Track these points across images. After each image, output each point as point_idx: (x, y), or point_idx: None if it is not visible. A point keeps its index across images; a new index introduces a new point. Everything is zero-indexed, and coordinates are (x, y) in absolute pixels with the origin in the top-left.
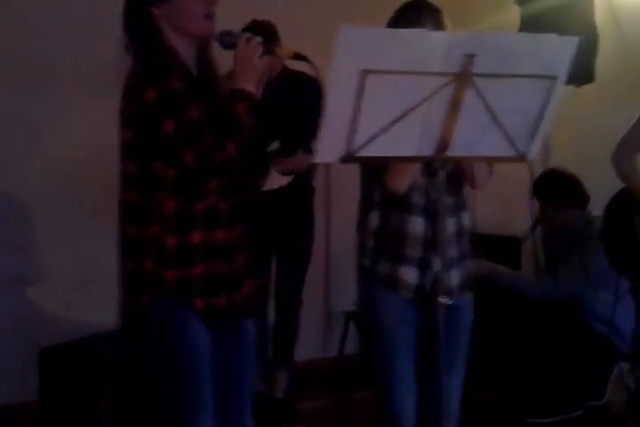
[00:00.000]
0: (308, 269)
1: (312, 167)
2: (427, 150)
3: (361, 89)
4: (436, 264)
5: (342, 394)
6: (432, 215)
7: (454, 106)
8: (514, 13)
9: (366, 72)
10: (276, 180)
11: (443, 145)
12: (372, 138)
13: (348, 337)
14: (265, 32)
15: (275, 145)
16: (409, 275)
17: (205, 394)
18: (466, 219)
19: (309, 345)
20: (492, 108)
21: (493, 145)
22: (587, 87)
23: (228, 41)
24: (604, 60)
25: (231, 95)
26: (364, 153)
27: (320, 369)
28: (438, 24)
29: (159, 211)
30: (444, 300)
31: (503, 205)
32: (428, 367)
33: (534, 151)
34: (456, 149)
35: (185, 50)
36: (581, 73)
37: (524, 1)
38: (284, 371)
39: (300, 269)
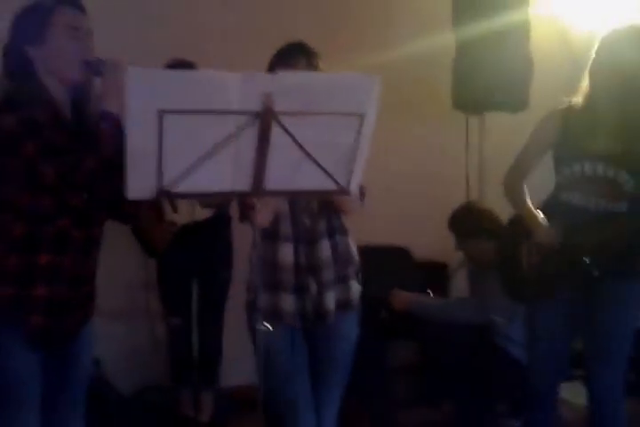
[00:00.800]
0: (227, 297)
1: None
2: (242, 186)
3: (160, 128)
4: (313, 288)
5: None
6: (301, 241)
7: (262, 143)
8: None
9: (162, 112)
10: (198, 212)
11: (257, 180)
12: (183, 175)
13: None
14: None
15: None
16: (287, 302)
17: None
18: (343, 243)
19: (244, 371)
20: (302, 145)
21: (313, 179)
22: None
23: (96, 68)
24: (558, 86)
25: (100, 117)
26: (178, 189)
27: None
28: (312, 66)
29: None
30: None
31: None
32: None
33: (355, 184)
34: (273, 184)
35: (57, 91)
36: (515, 101)
37: (459, 25)
38: (209, 395)
39: (220, 297)
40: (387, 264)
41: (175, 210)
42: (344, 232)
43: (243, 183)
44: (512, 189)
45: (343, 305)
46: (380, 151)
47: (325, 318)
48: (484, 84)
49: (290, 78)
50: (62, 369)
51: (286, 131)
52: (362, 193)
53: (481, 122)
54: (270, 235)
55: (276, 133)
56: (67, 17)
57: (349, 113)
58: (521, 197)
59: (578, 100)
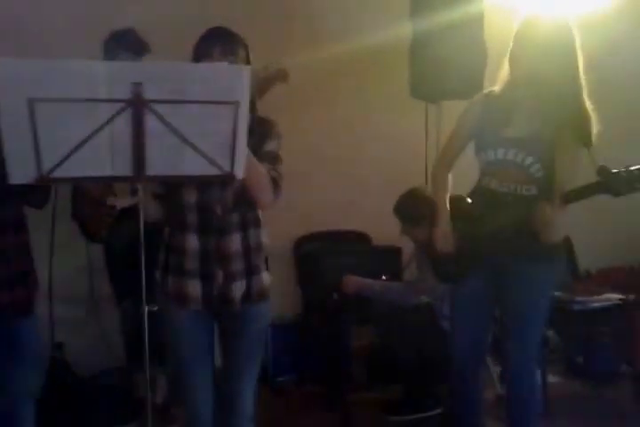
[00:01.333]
0: None
1: None
2: (123, 171)
3: (32, 116)
4: (219, 277)
5: None
6: (211, 231)
7: (137, 130)
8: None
9: (32, 100)
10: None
11: (138, 165)
12: (61, 161)
13: None
14: None
15: None
16: (193, 287)
17: None
18: (255, 235)
19: None
20: (179, 132)
21: (196, 165)
22: None
23: None
24: None
25: None
26: (57, 175)
27: None
28: (228, 53)
29: None
30: None
31: None
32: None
33: (239, 169)
34: (155, 169)
35: None
36: (470, 88)
37: (416, 15)
38: (162, 377)
39: None
40: (345, 249)
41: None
42: (258, 225)
43: (124, 169)
44: (433, 178)
45: (255, 295)
46: (340, 137)
47: (231, 306)
48: (440, 72)
49: (158, 68)
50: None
51: (160, 118)
52: (276, 185)
53: (438, 109)
54: (177, 224)
55: (150, 121)
56: None
57: (223, 101)
58: (439, 186)
59: (497, 87)
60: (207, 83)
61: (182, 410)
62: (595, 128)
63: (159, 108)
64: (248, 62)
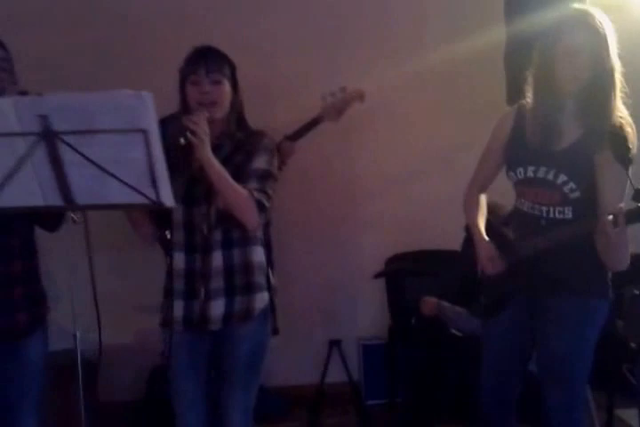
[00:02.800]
0: None
1: None
2: (54, 200)
3: None
4: (201, 294)
5: (314, 420)
6: (197, 249)
7: (55, 161)
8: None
9: None
10: None
11: (66, 195)
12: None
13: (332, 365)
14: None
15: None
16: (177, 308)
17: None
18: (241, 254)
19: (295, 371)
20: (94, 161)
21: (121, 193)
22: None
23: None
24: None
25: None
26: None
27: (299, 394)
28: (214, 72)
29: None
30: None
31: None
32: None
33: (167, 197)
34: (83, 198)
35: None
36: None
37: (510, 20)
38: None
39: None
40: (431, 270)
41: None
42: (246, 244)
43: (54, 199)
44: (465, 201)
45: (237, 316)
46: (430, 150)
47: (207, 325)
48: None
49: (60, 100)
50: (9, 366)
51: (73, 149)
52: (261, 206)
53: None
54: (167, 244)
55: (65, 152)
56: None
57: (129, 129)
58: (470, 210)
59: (528, 99)
60: (112, 111)
61: None
62: (633, 144)
63: (70, 138)
64: (234, 81)
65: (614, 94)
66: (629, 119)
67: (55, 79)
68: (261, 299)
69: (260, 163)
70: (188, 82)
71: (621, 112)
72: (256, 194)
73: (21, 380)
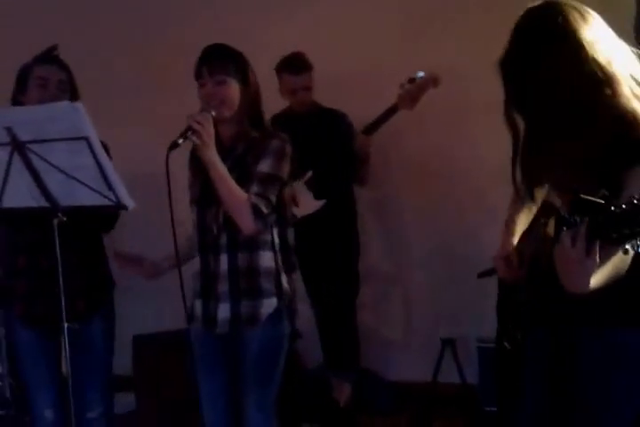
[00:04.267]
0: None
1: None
2: (42, 202)
3: None
4: (213, 296)
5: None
6: (206, 251)
7: (29, 168)
8: None
9: None
10: (307, 205)
11: (49, 198)
12: None
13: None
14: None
15: (308, 175)
16: (197, 307)
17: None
18: (246, 258)
19: (408, 368)
20: (59, 167)
21: (89, 196)
22: None
23: None
24: None
25: None
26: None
27: (411, 391)
28: (217, 72)
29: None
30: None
31: None
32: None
33: (126, 198)
34: (63, 200)
35: None
36: None
37: None
38: (340, 380)
39: (350, 291)
40: None
41: None
42: (252, 248)
43: (41, 201)
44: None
45: (244, 319)
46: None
47: (215, 327)
48: None
49: (17, 112)
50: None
51: (39, 156)
52: (257, 211)
53: None
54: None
55: (35, 159)
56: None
57: (73, 137)
58: (509, 218)
59: None
60: (56, 121)
61: None
62: None
63: (35, 147)
64: (244, 79)
65: None
66: None
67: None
68: (269, 305)
69: (264, 166)
70: (198, 85)
71: None
72: (254, 198)
73: (87, 361)
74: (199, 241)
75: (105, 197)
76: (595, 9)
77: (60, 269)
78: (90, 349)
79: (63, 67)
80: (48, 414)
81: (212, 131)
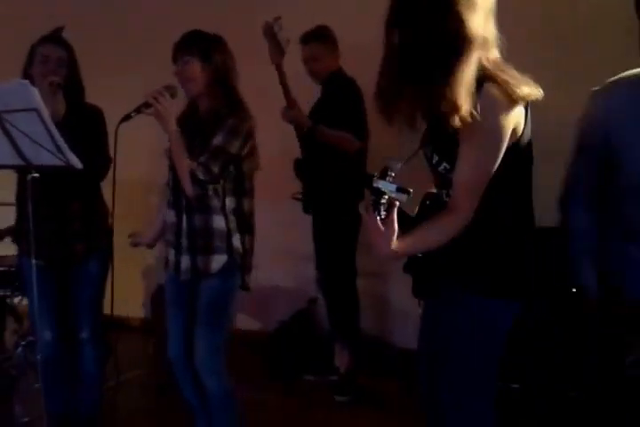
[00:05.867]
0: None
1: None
2: (17, 161)
3: None
4: (179, 248)
5: None
6: (177, 209)
7: (6, 133)
8: None
9: None
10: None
11: (24, 158)
12: None
13: None
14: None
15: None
16: (170, 255)
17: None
18: (202, 219)
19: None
20: (24, 132)
21: (49, 157)
22: None
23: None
24: None
25: None
26: None
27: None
28: (183, 55)
29: None
30: None
31: None
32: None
33: (74, 160)
34: (34, 160)
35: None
36: None
37: None
38: (341, 347)
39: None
40: None
41: None
42: (206, 211)
43: (15, 159)
44: None
45: (201, 271)
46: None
47: (180, 274)
48: None
49: None
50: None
51: (10, 123)
52: (194, 179)
53: None
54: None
55: (8, 126)
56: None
57: (27, 108)
58: None
59: None
60: (12, 95)
61: None
62: None
63: (6, 116)
64: (208, 57)
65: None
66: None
67: None
68: (219, 260)
69: (215, 140)
70: None
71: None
72: (194, 166)
73: (82, 293)
74: (172, 201)
75: (58, 158)
76: None
77: (30, 218)
78: (84, 284)
79: (64, 46)
80: (47, 335)
81: (167, 104)
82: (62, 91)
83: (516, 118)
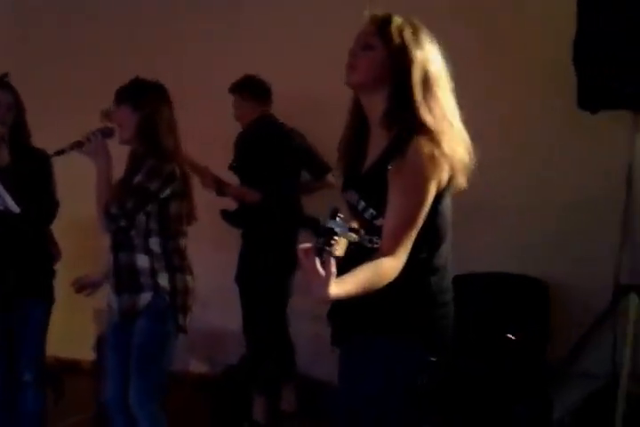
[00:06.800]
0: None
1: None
2: None
3: None
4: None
5: None
6: (111, 249)
7: None
8: None
9: None
10: None
11: None
12: None
13: None
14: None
15: None
16: (109, 296)
17: None
18: (125, 258)
19: None
20: None
21: None
22: None
23: None
24: None
25: None
26: None
27: None
28: (116, 100)
29: None
30: None
31: None
32: None
33: (12, 206)
34: None
35: None
36: None
37: None
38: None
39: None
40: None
41: None
42: (129, 249)
43: None
44: None
45: (129, 311)
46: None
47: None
48: None
49: None
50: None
51: None
52: (107, 215)
53: None
54: None
55: None
56: None
57: None
58: None
59: None
60: None
61: None
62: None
63: None
64: (138, 104)
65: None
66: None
67: None
68: (145, 298)
69: (136, 179)
70: None
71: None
72: (110, 204)
73: (26, 335)
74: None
75: None
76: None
77: None
78: (28, 327)
79: (10, 91)
80: None
81: (99, 146)
82: (7, 137)
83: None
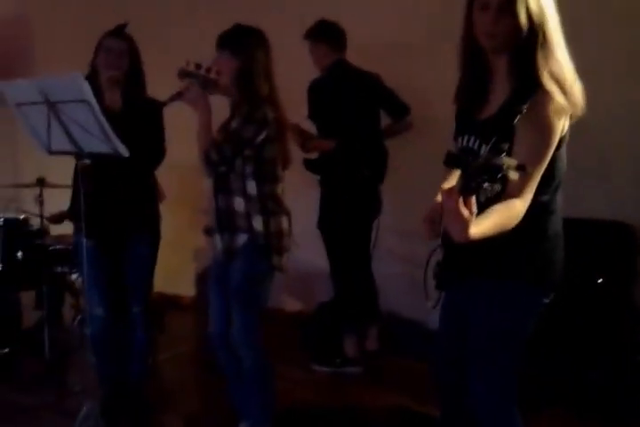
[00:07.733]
0: None
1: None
2: (71, 147)
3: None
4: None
5: None
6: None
7: (60, 121)
8: None
9: (19, 104)
10: None
11: (77, 145)
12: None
13: None
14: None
15: None
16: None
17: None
18: (224, 200)
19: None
20: (77, 121)
21: (99, 145)
22: None
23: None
24: None
25: None
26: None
27: None
28: (220, 47)
29: None
30: None
31: None
32: None
33: (121, 148)
34: (86, 147)
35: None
36: None
37: None
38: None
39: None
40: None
41: None
42: (227, 192)
43: (72, 147)
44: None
45: (228, 251)
46: None
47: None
48: None
49: (46, 81)
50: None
51: (64, 113)
52: (207, 159)
53: None
54: None
55: (62, 115)
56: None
57: (79, 100)
58: (443, 179)
59: None
60: (64, 88)
61: None
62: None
63: (61, 106)
64: (239, 51)
65: (540, 50)
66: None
67: None
68: (241, 239)
69: (232, 126)
70: None
71: (552, 69)
72: (210, 148)
73: (133, 272)
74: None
75: (107, 146)
76: None
77: (82, 200)
78: (135, 264)
79: (125, 39)
80: (98, 311)
81: (197, 95)
82: (122, 84)
83: None
